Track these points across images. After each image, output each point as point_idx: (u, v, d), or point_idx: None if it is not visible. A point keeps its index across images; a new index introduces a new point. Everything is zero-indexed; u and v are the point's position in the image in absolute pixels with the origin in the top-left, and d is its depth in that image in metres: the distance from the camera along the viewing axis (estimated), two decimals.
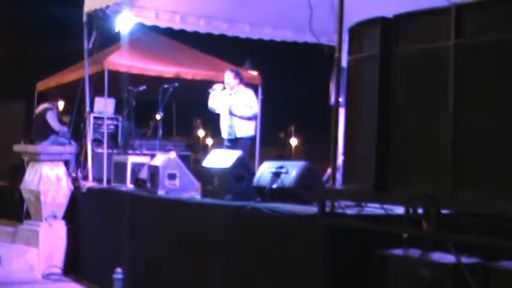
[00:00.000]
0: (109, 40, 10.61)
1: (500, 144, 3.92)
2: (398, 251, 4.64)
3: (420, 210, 4.74)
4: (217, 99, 9.46)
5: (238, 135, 9.35)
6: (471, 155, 4.05)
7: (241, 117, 9.31)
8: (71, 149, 10.50)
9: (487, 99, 4.01)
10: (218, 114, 9.60)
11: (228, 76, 9.43)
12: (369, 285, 4.65)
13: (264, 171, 6.66)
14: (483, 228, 3.95)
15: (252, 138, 9.67)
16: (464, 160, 4.06)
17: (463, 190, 4.05)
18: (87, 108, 10.48)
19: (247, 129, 9.41)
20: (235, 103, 9.32)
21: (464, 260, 4.12)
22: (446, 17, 4.20)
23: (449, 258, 4.19)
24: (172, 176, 8.05)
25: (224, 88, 9.42)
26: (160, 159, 8.26)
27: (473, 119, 4.05)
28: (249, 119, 9.40)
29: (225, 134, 9.50)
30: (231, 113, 9.34)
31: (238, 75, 9.49)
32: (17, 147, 10.63)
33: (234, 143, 9.35)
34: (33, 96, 13.82)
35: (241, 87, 9.44)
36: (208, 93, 9.51)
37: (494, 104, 3.98)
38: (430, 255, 4.37)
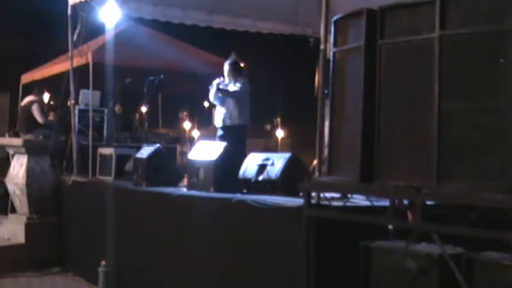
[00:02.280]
0: (94, 32, 10.56)
1: (485, 135, 3.94)
2: (383, 243, 4.66)
3: (405, 202, 4.76)
4: (217, 92, 9.47)
5: (228, 123, 9.36)
6: (456, 146, 4.06)
7: (231, 94, 9.30)
8: (56, 141, 10.46)
9: (472, 90, 4.03)
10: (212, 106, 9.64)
11: (228, 68, 9.46)
12: (355, 276, 4.66)
13: (250, 163, 6.67)
14: (468, 219, 3.97)
15: (245, 128, 9.64)
16: (449, 152, 4.08)
17: (448, 182, 4.06)
18: (72, 101, 10.43)
19: (238, 118, 9.40)
20: (228, 88, 9.36)
21: (449, 250, 4.14)
22: (431, 9, 4.21)
23: (434, 249, 4.21)
24: (158, 169, 8.03)
25: (223, 80, 9.43)
26: (146, 151, 8.24)
27: (458, 110, 4.07)
28: (237, 95, 9.34)
29: (217, 123, 9.52)
30: (222, 96, 9.33)
31: (237, 68, 9.53)
32: (2, 140, 10.58)
33: (226, 131, 9.37)
34: (18, 89, 13.75)
35: (240, 78, 9.48)
36: (208, 89, 9.51)
37: (478, 96, 4.00)
38: (415, 247, 4.39)
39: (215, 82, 9.45)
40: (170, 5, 10.05)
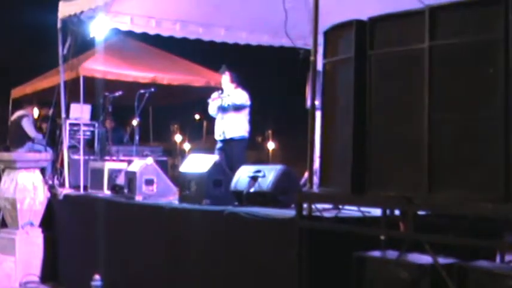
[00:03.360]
0: (84, 46, 10.57)
1: (475, 145, 3.96)
2: (375, 253, 4.66)
3: (397, 212, 4.77)
4: (216, 104, 9.45)
5: (228, 136, 9.34)
6: (446, 156, 4.08)
7: (229, 108, 9.28)
8: (47, 156, 10.44)
9: (462, 100, 4.05)
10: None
11: (225, 79, 9.46)
12: (347, 287, 4.66)
13: (242, 175, 6.66)
14: (459, 229, 3.98)
15: (245, 140, 9.64)
16: (440, 161, 4.09)
17: (439, 191, 4.08)
18: (63, 115, 10.42)
19: (238, 130, 9.39)
20: (227, 99, 9.34)
21: (441, 260, 4.14)
22: (420, 20, 4.24)
23: (426, 259, 4.22)
24: (149, 182, 8.02)
25: (222, 93, 9.43)
26: (137, 165, 8.23)
27: (448, 120, 4.08)
28: (238, 108, 9.33)
29: (216, 135, 9.50)
30: (222, 108, 9.32)
31: (235, 79, 9.51)
32: None
33: (226, 144, 9.35)
34: (7, 103, 13.72)
35: (239, 90, 9.47)
36: (208, 103, 9.51)
37: (468, 106, 4.01)
38: (407, 257, 4.39)
39: (214, 95, 9.46)
40: (160, 18, 10.06)
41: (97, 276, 7.75)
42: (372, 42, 4.58)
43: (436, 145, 4.11)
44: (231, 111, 9.32)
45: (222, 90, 9.47)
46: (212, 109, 9.49)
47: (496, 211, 3.79)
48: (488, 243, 4.19)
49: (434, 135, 4.12)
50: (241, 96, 9.40)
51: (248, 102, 9.47)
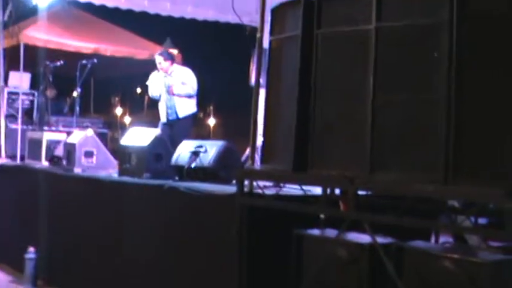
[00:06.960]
0: (26, 13, 10.35)
1: (417, 127, 4.00)
2: (315, 231, 4.70)
3: (338, 191, 4.81)
4: (156, 85, 9.34)
5: (181, 115, 9.28)
6: (389, 137, 4.11)
7: (179, 96, 9.22)
8: None
9: (405, 83, 4.08)
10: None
11: (159, 60, 9.32)
12: (287, 264, 4.69)
13: (183, 150, 6.63)
14: (398, 209, 4.03)
15: (194, 115, 9.64)
16: (382, 142, 4.13)
17: (381, 172, 4.12)
18: (1, 83, 10.21)
19: (188, 107, 9.35)
20: (173, 83, 9.24)
21: (380, 240, 4.20)
22: (368, 1, 4.24)
23: (365, 238, 4.27)
24: (89, 154, 7.92)
25: (158, 71, 9.33)
26: (77, 136, 8.12)
27: (392, 102, 4.12)
28: (190, 96, 9.32)
29: (164, 117, 9.38)
30: (170, 93, 9.24)
31: (169, 57, 9.40)
32: None
33: (176, 123, 9.25)
34: None
35: (176, 67, 9.41)
36: (147, 85, 9.41)
37: (411, 88, 4.05)
38: (346, 235, 4.44)
39: (152, 76, 9.36)
40: None
41: (31, 249, 7.65)
42: (319, 21, 4.57)
43: (379, 126, 4.14)
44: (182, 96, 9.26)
45: (158, 70, 9.36)
46: (153, 90, 9.38)
47: (436, 192, 3.85)
48: (424, 224, 4.26)
49: (377, 116, 4.15)
50: (192, 83, 9.30)
51: (195, 81, 9.39)
